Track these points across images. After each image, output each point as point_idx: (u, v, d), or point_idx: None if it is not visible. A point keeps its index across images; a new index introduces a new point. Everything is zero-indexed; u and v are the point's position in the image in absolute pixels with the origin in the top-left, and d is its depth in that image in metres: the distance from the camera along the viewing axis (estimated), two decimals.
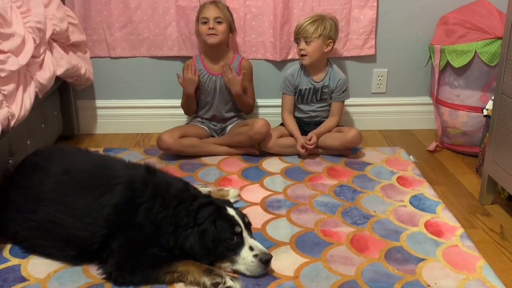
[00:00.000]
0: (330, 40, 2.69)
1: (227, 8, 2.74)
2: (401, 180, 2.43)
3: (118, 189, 1.75)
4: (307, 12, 2.87)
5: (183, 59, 2.96)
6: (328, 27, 2.67)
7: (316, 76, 2.76)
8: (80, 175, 1.83)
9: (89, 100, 3.04)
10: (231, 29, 2.75)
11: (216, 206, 1.74)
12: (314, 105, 2.79)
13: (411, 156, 2.72)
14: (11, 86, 1.88)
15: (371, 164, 2.62)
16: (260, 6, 2.88)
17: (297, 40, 2.71)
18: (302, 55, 2.69)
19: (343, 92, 2.76)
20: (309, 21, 2.66)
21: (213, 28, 2.65)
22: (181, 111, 3.01)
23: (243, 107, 2.84)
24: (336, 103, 2.78)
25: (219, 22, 2.66)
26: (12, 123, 1.88)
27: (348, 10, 2.90)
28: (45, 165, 1.91)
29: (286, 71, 2.86)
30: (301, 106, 2.81)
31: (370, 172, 2.53)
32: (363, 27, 2.93)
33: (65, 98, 2.87)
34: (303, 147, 2.65)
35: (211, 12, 2.66)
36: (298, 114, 2.83)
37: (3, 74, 1.81)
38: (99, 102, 3.06)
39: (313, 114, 2.80)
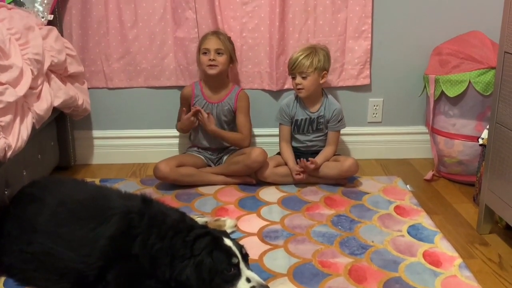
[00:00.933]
0: (325, 72, 2.72)
1: (229, 38, 2.76)
2: (399, 209, 2.43)
3: (113, 220, 1.74)
4: (303, 43, 2.90)
5: (181, 88, 2.98)
6: (322, 59, 2.69)
7: (311, 107, 2.78)
8: (76, 206, 1.82)
9: (86, 130, 3.05)
10: (232, 60, 2.77)
11: (212, 237, 1.73)
12: (310, 135, 2.80)
13: (408, 185, 2.72)
14: (8, 117, 1.88)
15: (368, 193, 2.61)
16: (257, 37, 2.92)
17: (292, 74, 2.72)
18: (299, 89, 2.70)
19: (339, 121, 2.78)
20: (302, 55, 2.67)
21: (213, 59, 2.68)
22: (179, 141, 3.03)
23: (230, 143, 2.82)
24: (332, 133, 2.79)
25: (219, 54, 2.69)
26: (9, 154, 1.88)
27: (343, 41, 2.94)
28: (41, 196, 1.90)
29: (282, 101, 2.89)
30: (298, 136, 2.82)
31: (367, 201, 2.52)
32: (358, 57, 2.97)
33: (62, 128, 2.87)
34: (302, 167, 2.65)
35: (212, 44, 2.69)
36: (294, 144, 2.84)
37: (0, 106, 1.82)
38: (96, 133, 3.06)
39: (309, 143, 2.81)
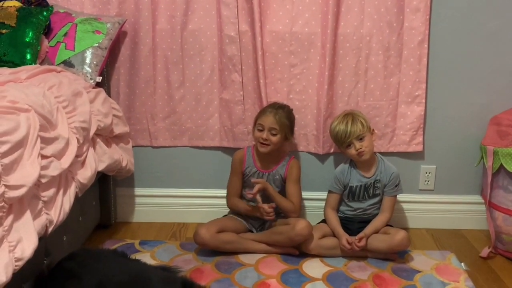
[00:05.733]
0: (372, 129, 2.67)
1: (288, 114, 2.67)
2: None
3: None
4: (352, 106, 2.81)
5: (224, 149, 2.94)
6: (364, 117, 2.65)
7: (367, 171, 2.67)
8: None
9: (128, 188, 3.01)
10: (286, 137, 2.68)
11: None
12: (365, 202, 2.69)
13: (462, 264, 2.54)
14: (51, 191, 1.84)
15: (420, 272, 2.45)
16: (304, 99, 2.84)
17: (347, 144, 2.61)
18: (360, 153, 2.59)
19: (396, 186, 2.66)
20: (349, 122, 2.60)
21: (266, 139, 2.61)
22: (220, 202, 2.93)
23: (280, 208, 2.68)
24: (388, 198, 2.67)
25: (273, 134, 2.62)
26: (50, 229, 1.84)
27: (395, 105, 2.83)
28: (79, 273, 1.84)
29: (335, 169, 2.76)
30: (351, 204, 2.70)
31: (419, 282, 2.35)
32: (410, 123, 2.84)
33: (104, 187, 2.84)
34: (349, 243, 2.53)
35: (268, 121, 2.61)
36: (344, 209, 2.73)
37: (44, 180, 1.78)
38: (138, 190, 3.03)
39: (361, 213, 2.69)
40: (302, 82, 2.83)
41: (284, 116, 2.64)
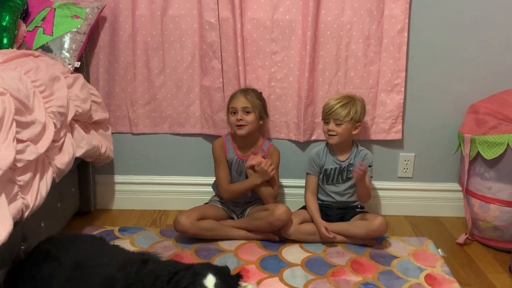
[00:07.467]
0: (359, 123, 2.67)
1: (259, 95, 2.70)
2: (430, 279, 2.28)
3: None
4: (332, 94, 2.81)
5: (205, 136, 2.94)
6: (359, 111, 2.65)
7: (341, 155, 2.70)
8: (90, 272, 1.75)
9: (108, 175, 2.99)
10: (261, 117, 2.70)
11: (192, 273, 1.62)
12: (340, 185, 2.70)
13: (439, 250, 2.57)
14: (27, 176, 1.82)
15: (397, 257, 2.48)
16: (285, 87, 2.85)
17: (326, 120, 2.66)
18: (330, 135, 2.63)
19: (369, 166, 2.68)
20: (340, 103, 2.62)
21: (241, 119, 2.61)
22: (200, 189, 2.94)
23: (261, 194, 2.69)
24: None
25: (247, 112, 2.62)
26: (26, 214, 1.82)
27: (375, 94, 2.85)
28: (57, 255, 1.84)
29: (311, 151, 2.80)
30: (327, 187, 2.72)
31: (397, 267, 2.39)
32: (389, 111, 2.86)
33: (84, 173, 2.82)
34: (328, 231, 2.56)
35: (239, 103, 2.62)
36: (323, 198, 2.74)
37: (20, 165, 1.76)
38: (117, 178, 3.01)
39: (338, 198, 2.71)
40: (283, 70, 2.83)
41: (255, 96, 2.66)
